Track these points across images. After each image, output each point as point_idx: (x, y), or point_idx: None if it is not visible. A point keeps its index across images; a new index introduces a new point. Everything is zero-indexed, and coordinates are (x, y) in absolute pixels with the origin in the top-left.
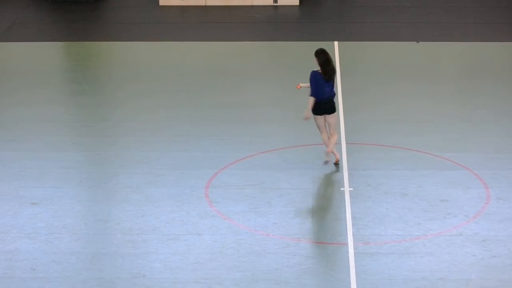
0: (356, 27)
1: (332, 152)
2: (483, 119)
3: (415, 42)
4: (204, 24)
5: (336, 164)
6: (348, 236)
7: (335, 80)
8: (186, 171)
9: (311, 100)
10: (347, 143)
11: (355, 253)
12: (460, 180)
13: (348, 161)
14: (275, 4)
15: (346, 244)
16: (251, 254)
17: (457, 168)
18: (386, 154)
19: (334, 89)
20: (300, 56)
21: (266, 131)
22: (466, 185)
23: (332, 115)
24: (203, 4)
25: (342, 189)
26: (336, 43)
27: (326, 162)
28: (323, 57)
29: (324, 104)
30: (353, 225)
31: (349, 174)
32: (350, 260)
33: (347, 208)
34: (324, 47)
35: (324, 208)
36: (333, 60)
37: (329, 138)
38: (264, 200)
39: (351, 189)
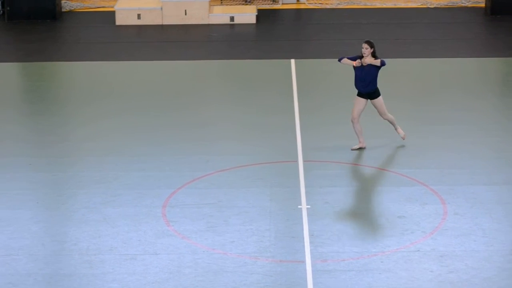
0: (313, 44)
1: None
2: (438, 135)
3: None
4: (161, 43)
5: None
6: (306, 254)
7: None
8: (143, 190)
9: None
10: (304, 161)
11: (313, 270)
12: (417, 196)
13: (305, 178)
14: (231, 22)
15: (304, 262)
16: (209, 273)
17: (414, 184)
18: (343, 171)
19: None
20: (257, 74)
21: (223, 149)
22: (423, 201)
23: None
24: (160, 23)
25: (299, 206)
26: (292, 60)
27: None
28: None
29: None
30: (310, 242)
31: (306, 192)
32: (308, 278)
33: (304, 225)
34: (280, 65)
35: (281, 226)
36: None
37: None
38: (221, 218)
39: (309, 206)
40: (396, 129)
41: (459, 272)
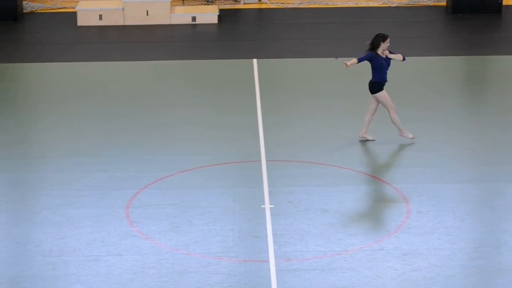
0: (275, 44)
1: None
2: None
3: (334, 58)
4: (123, 44)
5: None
6: (270, 253)
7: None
8: (106, 191)
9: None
10: (267, 160)
11: (277, 270)
12: (380, 194)
13: (268, 178)
14: (193, 22)
15: (267, 261)
16: (173, 273)
17: (377, 183)
18: (307, 171)
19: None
20: (219, 75)
21: (186, 150)
22: (386, 199)
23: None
24: (122, 24)
25: (262, 206)
26: (255, 60)
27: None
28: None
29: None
30: (274, 242)
31: (270, 191)
32: (272, 277)
33: (268, 225)
34: (243, 65)
35: (245, 225)
36: None
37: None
38: (185, 219)
39: (272, 206)
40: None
41: (423, 270)
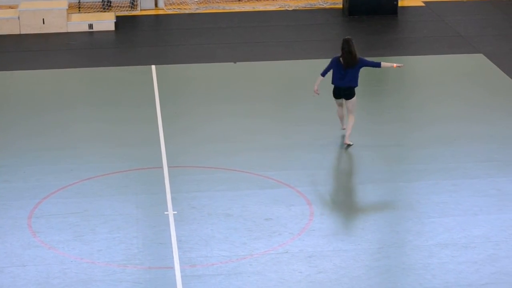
0: (173, 50)
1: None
2: (301, 136)
3: (233, 63)
4: (19, 53)
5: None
6: (175, 260)
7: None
8: (7, 202)
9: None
10: (169, 167)
11: (182, 276)
12: (283, 198)
13: (170, 184)
14: (90, 30)
15: (172, 268)
16: (78, 282)
17: (280, 186)
18: (209, 176)
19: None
20: (118, 81)
21: (87, 158)
22: (289, 202)
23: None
24: (18, 32)
25: (166, 212)
26: (153, 67)
27: (348, 145)
28: (347, 46)
29: (343, 91)
30: (178, 248)
31: (172, 198)
32: (177, 284)
33: (171, 231)
34: (141, 72)
35: (149, 232)
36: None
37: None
38: (88, 227)
39: (175, 212)
40: None
41: (328, 272)
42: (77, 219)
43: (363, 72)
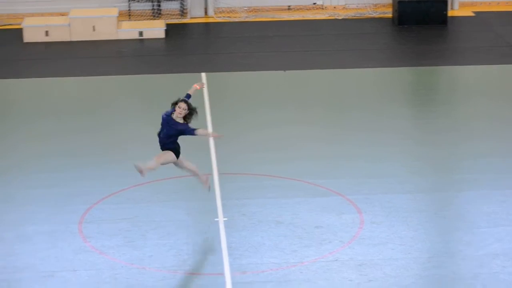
0: (223, 57)
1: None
2: (352, 144)
3: (282, 71)
4: (70, 60)
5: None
6: (225, 266)
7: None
8: (58, 207)
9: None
10: (219, 173)
11: (232, 282)
12: (333, 206)
13: (221, 191)
14: (140, 37)
15: (223, 274)
16: None
17: (330, 194)
18: (259, 183)
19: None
20: (168, 89)
21: None
22: (339, 210)
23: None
24: (68, 39)
25: (216, 219)
26: (203, 74)
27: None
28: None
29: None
30: (229, 255)
31: (223, 204)
32: None
33: (222, 238)
34: (191, 79)
35: (199, 239)
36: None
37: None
38: (139, 233)
39: (226, 219)
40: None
41: (378, 281)
42: (127, 225)
43: (413, 81)
